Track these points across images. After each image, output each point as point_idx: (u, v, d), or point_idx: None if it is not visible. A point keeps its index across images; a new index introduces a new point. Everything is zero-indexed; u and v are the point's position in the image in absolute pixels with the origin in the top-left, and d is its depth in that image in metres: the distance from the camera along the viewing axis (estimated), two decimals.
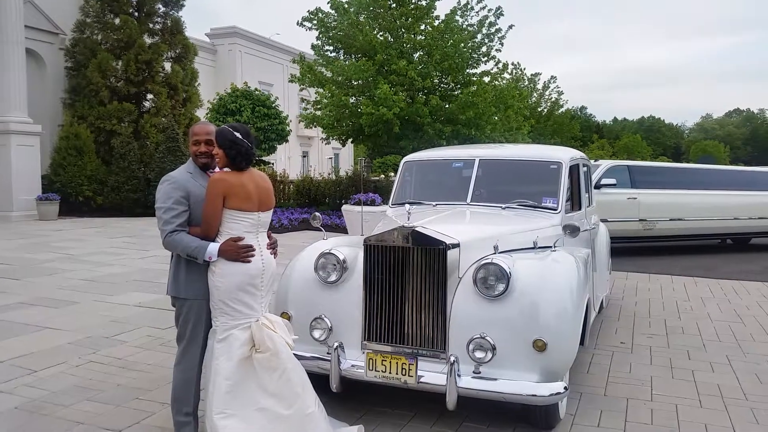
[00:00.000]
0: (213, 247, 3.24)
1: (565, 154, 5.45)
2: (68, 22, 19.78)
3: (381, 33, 18.93)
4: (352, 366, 3.68)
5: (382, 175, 19.00)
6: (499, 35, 19.31)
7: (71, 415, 3.87)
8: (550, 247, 4.14)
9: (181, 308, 3.43)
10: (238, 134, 3.25)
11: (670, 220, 11.85)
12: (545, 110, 43.03)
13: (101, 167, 18.57)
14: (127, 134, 18.59)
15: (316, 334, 3.82)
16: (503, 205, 4.96)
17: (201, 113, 21.06)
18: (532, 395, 3.43)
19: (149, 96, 19.86)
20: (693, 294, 8.08)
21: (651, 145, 79.04)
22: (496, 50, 19.48)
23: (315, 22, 18.98)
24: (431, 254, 3.66)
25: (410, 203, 4.41)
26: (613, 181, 11.36)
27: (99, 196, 18.47)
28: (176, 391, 3.48)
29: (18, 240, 12.46)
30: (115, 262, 9.82)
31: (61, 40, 20.25)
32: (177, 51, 20.70)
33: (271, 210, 3.47)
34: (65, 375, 4.61)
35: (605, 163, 12.21)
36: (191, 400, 3.47)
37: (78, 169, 18.10)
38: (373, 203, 13.58)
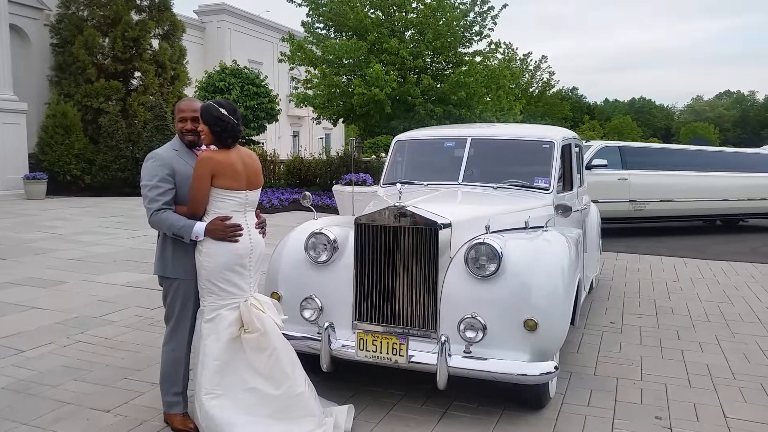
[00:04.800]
0: (199, 227, 3.19)
1: (557, 134, 5.42)
2: None
3: (372, 11, 18.70)
4: (343, 346, 3.66)
5: (373, 156, 18.93)
6: (492, 14, 19.16)
7: (59, 396, 3.84)
8: (542, 227, 4.12)
9: (168, 288, 3.39)
10: (223, 111, 3.18)
11: (660, 201, 11.87)
12: (536, 91, 42.93)
13: (89, 146, 18.34)
14: (115, 112, 18.34)
15: (307, 314, 3.79)
16: (495, 185, 4.93)
17: (189, 91, 20.80)
18: (523, 374, 3.43)
19: (137, 74, 19.57)
20: (682, 274, 8.12)
21: (641, 126, 79.14)
22: (489, 30, 19.35)
23: None
24: (422, 234, 3.62)
25: (402, 183, 4.35)
26: (604, 161, 11.34)
27: (87, 175, 18.27)
28: (165, 371, 3.46)
29: (5, 219, 12.31)
30: (103, 241, 9.73)
31: (46, 15, 19.85)
32: (165, 28, 20.36)
33: (260, 189, 3.42)
34: (53, 355, 4.57)
35: (596, 144, 12.18)
36: (180, 380, 3.45)
37: (65, 148, 17.87)
38: (364, 183, 13.53)
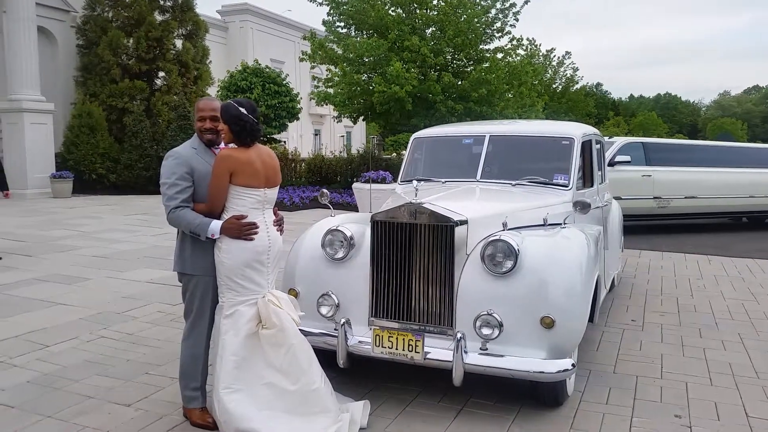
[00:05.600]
0: (215, 225, 3.23)
1: (577, 130, 5.37)
2: None
3: (393, 8, 18.68)
4: (359, 342, 3.68)
5: (394, 154, 18.92)
6: (514, 10, 19.02)
7: (82, 390, 3.92)
8: (560, 224, 4.09)
9: (187, 284, 3.44)
10: (243, 109, 3.21)
11: (685, 198, 11.70)
12: (560, 87, 42.45)
13: (114, 145, 18.63)
14: (139, 112, 18.60)
15: (324, 310, 3.82)
16: (513, 182, 4.91)
17: (212, 91, 21.00)
18: (540, 372, 3.41)
19: (160, 74, 19.81)
20: (706, 272, 8.00)
21: (667, 122, 77.91)
22: (511, 26, 19.21)
23: None
24: (439, 231, 3.62)
25: (419, 180, 4.35)
26: (627, 158, 11.21)
27: (112, 173, 18.55)
28: (184, 366, 3.50)
29: (32, 217, 12.57)
30: (127, 239, 9.89)
31: (72, 17, 20.20)
32: (188, 28, 20.58)
33: (278, 187, 3.45)
34: (76, 350, 4.66)
35: (620, 140, 12.05)
36: (199, 375, 3.50)
37: (91, 147, 18.17)
38: (383, 181, 13.54)
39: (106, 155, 18.43)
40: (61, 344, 4.78)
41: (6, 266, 7.65)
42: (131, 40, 19.11)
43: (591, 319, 4.17)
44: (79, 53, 19.67)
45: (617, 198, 7.58)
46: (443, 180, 5.04)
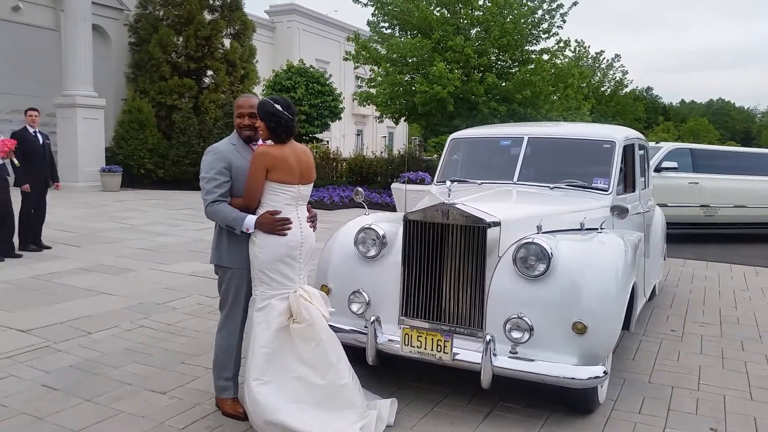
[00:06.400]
0: (250, 219, 3.30)
1: (619, 133, 5.27)
2: None
3: (437, 9, 18.64)
4: (389, 340, 3.70)
5: (435, 155, 18.87)
6: (561, 11, 18.75)
7: (120, 376, 4.05)
8: (597, 228, 4.03)
9: (222, 276, 3.53)
10: (278, 106, 3.28)
11: (734, 207, 11.34)
12: (608, 90, 41.60)
13: (162, 141, 19.10)
14: (187, 109, 19.02)
15: (354, 307, 3.85)
16: (551, 185, 4.85)
17: (258, 90, 21.34)
18: (570, 378, 3.37)
19: (208, 72, 20.22)
20: (753, 284, 7.74)
21: (719, 129, 75.48)
22: (558, 27, 18.93)
23: None
24: (471, 232, 3.61)
25: (452, 181, 4.35)
26: (674, 164, 10.94)
27: (160, 169, 19.02)
28: (218, 356, 3.59)
29: (82, 210, 13.01)
30: (172, 232, 10.15)
31: (125, 15, 20.81)
32: (236, 28, 20.95)
33: (312, 183, 3.51)
34: (117, 338, 4.82)
35: (666, 146, 11.74)
36: (232, 366, 3.58)
37: (140, 143, 18.67)
38: (422, 182, 13.53)
39: (155, 151, 18.91)
40: (103, 332, 4.95)
41: (55, 255, 7.95)
42: (181, 39, 19.56)
43: (627, 327, 4.10)
44: (130, 50, 20.25)
45: (662, 205, 7.40)
46: (479, 181, 5.02)
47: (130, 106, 18.90)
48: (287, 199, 3.36)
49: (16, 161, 7.73)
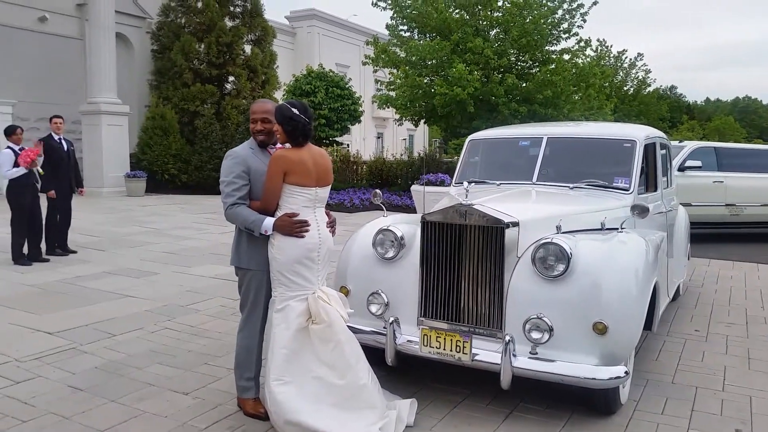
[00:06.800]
0: (268, 222, 3.34)
1: (639, 132, 5.22)
2: (154, 6, 20.65)
3: (456, 11, 18.61)
4: (408, 341, 3.71)
5: (456, 157, 18.81)
6: (582, 11, 18.60)
7: (144, 377, 4.12)
8: (617, 228, 3.99)
9: (242, 278, 3.57)
10: (295, 110, 3.32)
11: (761, 205, 11.13)
12: (631, 89, 41.15)
13: (185, 147, 19.35)
14: (210, 115, 19.26)
15: (373, 308, 3.87)
16: (571, 185, 4.81)
17: (278, 95, 21.51)
18: (591, 378, 3.34)
19: (230, 78, 20.45)
20: None
21: (745, 127, 74.08)
22: (578, 27, 18.79)
23: (389, 1, 18.87)
24: (489, 232, 3.61)
25: (471, 182, 4.34)
26: (698, 163, 10.78)
27: (183, 174, 19.27)
28: (239, 357, 3.63)
29: (107, 215, 13.23)
30: (195, 236, 10.28)
31: (148, 23, 21.16)
32: (256, 34, 21.16)
33: (329, 186, 3.53)
34: (141, 340, 4.90)
35: (690, 144, 11.57)
36: (253, 366, 3.61)
37: (163, 149, 18.95)
38: (442, 184, 13.51)
39: (178, 156, 19.17)
40: (128, 334, 5.03)
41: (80, 260, 8.10)
42: (202, 46, 19.82)
43: (649, 328, 4.05)
44: (153, 58, 20.58)
45: (686, 204, 7.30)
46: (498, 182, 5.01)
47: (154, 113, 19.20)
48: (305, 202, 3.39)
49: (41, 170, 7.90)
